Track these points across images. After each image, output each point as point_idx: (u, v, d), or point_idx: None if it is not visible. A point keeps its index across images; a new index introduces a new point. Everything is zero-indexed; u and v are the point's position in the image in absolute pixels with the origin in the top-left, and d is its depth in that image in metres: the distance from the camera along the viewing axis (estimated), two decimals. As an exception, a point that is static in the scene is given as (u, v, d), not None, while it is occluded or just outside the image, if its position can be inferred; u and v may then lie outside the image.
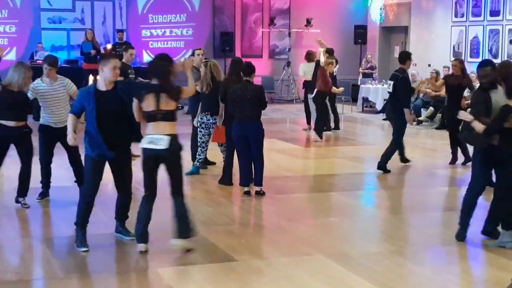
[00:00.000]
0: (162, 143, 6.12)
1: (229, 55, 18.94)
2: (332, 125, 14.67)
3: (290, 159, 11.54)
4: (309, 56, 15.31)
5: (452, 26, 18.17)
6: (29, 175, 7.92)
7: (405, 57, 10.57)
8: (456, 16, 18.04)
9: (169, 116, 6.21)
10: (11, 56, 18.20)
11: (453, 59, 13.63)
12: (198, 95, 9.68)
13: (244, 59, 9.61)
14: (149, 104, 6.13)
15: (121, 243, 6.85)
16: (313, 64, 14.37)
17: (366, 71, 19.79)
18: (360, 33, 20.98)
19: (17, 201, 7.90)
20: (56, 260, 6.08)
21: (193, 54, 10.73)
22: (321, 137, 13.38)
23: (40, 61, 17.35)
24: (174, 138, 6.20)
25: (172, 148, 6.18)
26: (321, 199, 8.98)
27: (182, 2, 20.45)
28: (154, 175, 6.41)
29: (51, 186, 8.45)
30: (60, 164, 10.56)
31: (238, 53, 20.64)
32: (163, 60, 6.32)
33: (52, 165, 10.41)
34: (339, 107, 15.32)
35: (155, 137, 6.16)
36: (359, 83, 19.32)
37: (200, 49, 10.98)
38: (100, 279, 5.62)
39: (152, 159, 6.27)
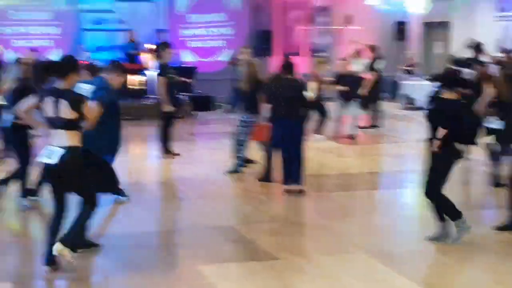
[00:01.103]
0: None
1: (267, 53, 18.94)
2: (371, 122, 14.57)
3: (331, 157, 11.49)
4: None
5: (496, 21, 17.87)
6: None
7: None
8: (500, 11, 17.74)
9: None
10: (55, 57, 18.46)
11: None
12: (240, 94, 9.72)
13: (283, 58, 9.61)
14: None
15: (162, 240, 6.91)
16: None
17: (407, 68, 19.58)
18: (400, 30, 20.79)
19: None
20: (102, 257, 6.15)
21: (240, 53, 10.77)
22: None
23: (83, 62, 17.66)
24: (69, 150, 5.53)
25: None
26: (362, 197, 8.93)
27: (221, 2, 20.50)
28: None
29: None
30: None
31: (277, 51, 20.62)
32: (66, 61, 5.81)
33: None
34: (380, 104, 15.16)
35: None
36: (399, 80, 19.14)
37: (246, 47, 11.05)
38: (142, 276, 5.67)
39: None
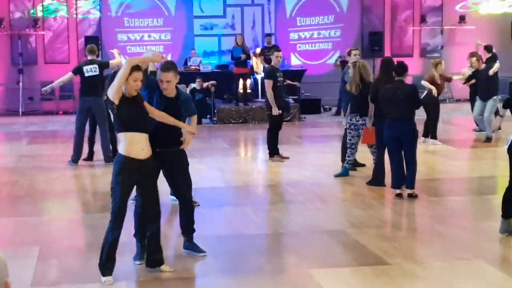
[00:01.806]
0: None
1: (378, 55, 18.64)
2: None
3: (444, 161, 11.17)
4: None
5: None
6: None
7: None
8: None
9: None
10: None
11: None
12: (351, 95, 9.60)
13: (394, 59, 9.42)
14: None
15: (270, 243, 6.91)
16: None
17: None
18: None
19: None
20: (212, 258, 6.21)
21: (349, 54, 10.65)
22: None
23: (194, 67, 18.01)
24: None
25: None
26: (478, 202, 8.61)
27: (329, 4, 20.41)
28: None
29: (203, 187, 8.70)
30: (213, 166, 10.88)
31: (387, 53, 20.28)
32: None
33: (204, 167, 10.76)
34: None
35: None
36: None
37: (356, 49, 10.94)
38: (251, 279, 5.68)
39: None
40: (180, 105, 6.03)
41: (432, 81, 12.47)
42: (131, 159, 5.42)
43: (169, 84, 5.92)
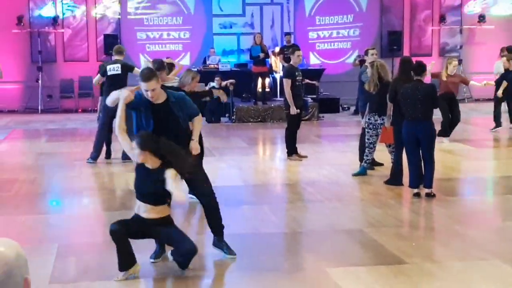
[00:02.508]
0: None
1: (397, 55, 18.59)
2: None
3: (462, 160, 11.11)
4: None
5: None
6: None
7: None
8: None
9: None
10: (185, 61, 19.00)
11: None
12: (368, 95, 9.59)
13: (413, 58, 9.40)
14: None
15: (288, 241, 6.92)
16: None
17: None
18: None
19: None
20: (228, 258, 6.23)
21: (366, 54, 10.63)
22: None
23: (212, 66, 18.05)
24: None
25: None
26: (496, 202, 8.56)
27: (349, 3, 20.36)
28: None
29: (222, 185, 8.71)
30: (231, 165, 10.91)
31: (406, 52, 20.19)
32: None
33: (223, 165, 10.80)
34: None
35: None
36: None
37: (373, 48, 10.93)
38: (268, 277, 5.69)
39: None
40: (172, 106, 5.83)
41: (436, 78, 12.59)
42: None
43: (155, 92, 5.72)
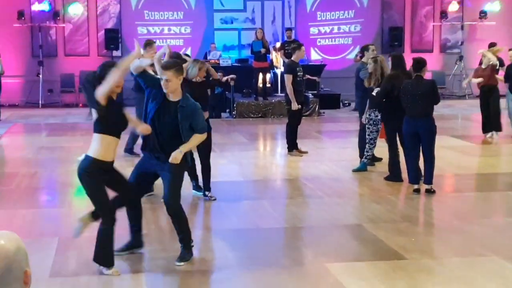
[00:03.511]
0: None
1: (397, 50, 18.56)
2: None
3: (463, 157, 11.11)
4: None
5: None
6: (210, 169, 8.19)
7: None
8: None
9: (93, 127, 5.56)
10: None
11: None
12: (365, 91, 9.60)
13: (414, 54, 9.42)
14: None
15: (288, 237, 6.93)
16: None
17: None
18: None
19: (204, 194, 8.20)
20: (230, 252, 6.24)
21: (366, 50, 10.61)
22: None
23: (213, 61, 18.04)
24: (85, 158, 5.53)
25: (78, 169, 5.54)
26: (496, 198, 8.57)
27: (350, -1, 20.34)
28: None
29: (221, 181, 8.73)
30: (232, 160, 10.91)
31: (407, 48, 20.20)
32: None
33: (223, 161, 10.80)
34: None
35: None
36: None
37: (372, 44, 10.94)
38: (268, 273, 5.70)
39: None
40: (179, 110, 5.69)
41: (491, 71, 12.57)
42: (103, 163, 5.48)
43: (168, 83, 5.62)
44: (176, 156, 5.64)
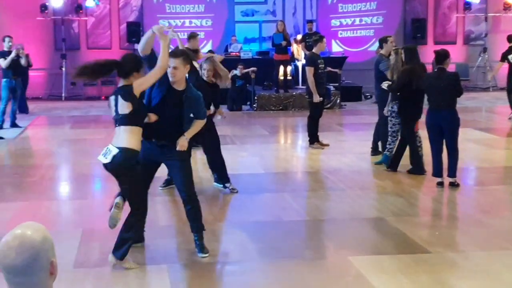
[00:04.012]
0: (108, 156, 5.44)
1: (420, 42, 18.45)
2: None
3: (487, 149, 11.01)
4: None
5: None
6: (223, 161, 8.20)
7: None
8: None
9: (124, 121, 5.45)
10: (206, 49, 18.99)
11: None
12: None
13: (437, 46, 9.34)
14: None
15: (310, 229, 6.91)
16: None
17: None
18: None
19: (224, 186, 8.22)
20: (251, 244, 6.24)
21: (385, 41, 10.52)
22: None
23: (234, 54, 18.03)
24: (121, 150, 5.42)
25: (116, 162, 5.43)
26: (520, 191, 8.48)
27: (372, -10, 20.20)
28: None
29: (243, 173, 8.72)
30: (252, 153, 10.91)
31: (430, 40, 20.04)
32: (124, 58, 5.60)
33: (244, 153, 10.80)
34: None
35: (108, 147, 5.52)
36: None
37: (391, 36, 10.84)
38: (290, 265, 5.69)
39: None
40: (185, 98, 5.70)
41: None
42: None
43: (176, 71, 5.63)
44: (183, 143, 5.68)
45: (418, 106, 8.89)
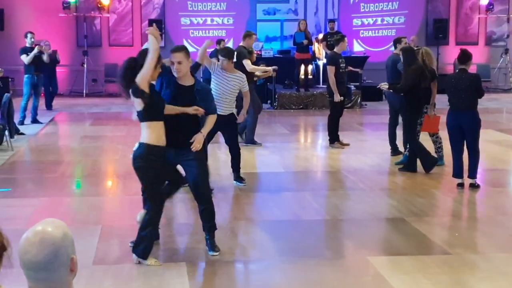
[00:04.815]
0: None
1: (442, 43, 18.35)
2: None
3: (507, 151, 10.92)
4: None
5: None
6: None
7: None
8: None
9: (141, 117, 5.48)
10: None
11: None
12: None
13: (459, 47, 9.28)
14: None
15: (329, 229, 6.89)
16: None
17: None
18: None
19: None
20: (271, 243, 6.24)
21: (399, 42, 10.52)
22: None
23: (255, 52, 17.99)
24: (139, 146, 5.47)
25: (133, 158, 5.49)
26: (542, 194, 8.40)
27: (394, -10, 20.10)
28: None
29: (263, 172, 8.71)
30: (273, 151, 10.90)
31: (452, 40, 19.91)
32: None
33: (264, 152, 10.79)
34: None
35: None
36: None
37: (405, 37, 10.90)
38: (309, 264, 5.67)
39: None
40: (196, 93, 5.72)
41: None
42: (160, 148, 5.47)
43: (181, 66, 5.64)
44: (199, 140, 5.67)
45: (421, 103, 8.94)
